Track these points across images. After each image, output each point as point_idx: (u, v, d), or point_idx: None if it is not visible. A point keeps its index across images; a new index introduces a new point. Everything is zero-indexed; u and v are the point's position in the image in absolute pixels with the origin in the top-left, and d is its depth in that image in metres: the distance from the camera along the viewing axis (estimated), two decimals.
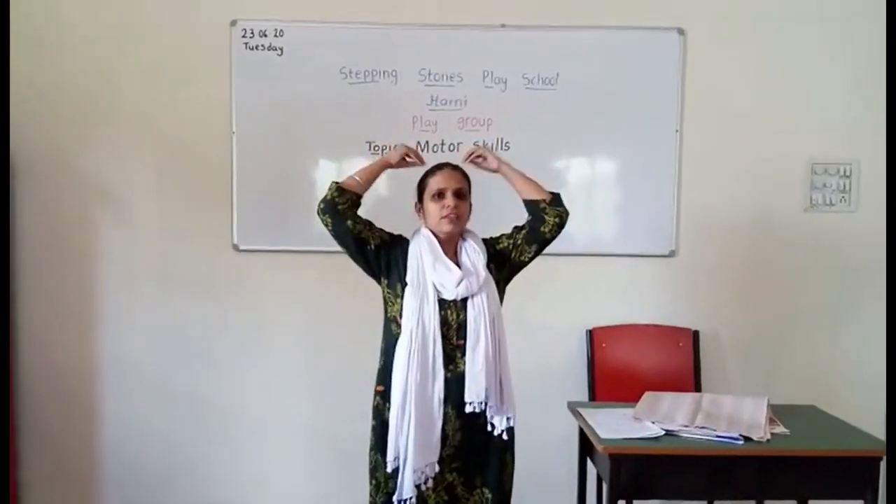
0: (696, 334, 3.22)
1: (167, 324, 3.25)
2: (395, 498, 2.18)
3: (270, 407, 3.28)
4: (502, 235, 2.41)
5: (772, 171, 3.25)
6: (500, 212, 2.39)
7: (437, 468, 2.20)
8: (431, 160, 2.39)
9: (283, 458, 3.30)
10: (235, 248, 3.22)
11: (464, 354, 2.23)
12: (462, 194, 2.29)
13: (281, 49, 3.16)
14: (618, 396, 2.92)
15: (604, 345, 3.21)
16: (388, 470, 2.21)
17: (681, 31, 3.19)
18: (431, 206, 2.29)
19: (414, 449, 2.16)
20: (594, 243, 3.25)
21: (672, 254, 3.27)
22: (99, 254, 3.22)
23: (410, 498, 2.16)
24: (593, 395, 3.16)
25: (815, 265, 3.28)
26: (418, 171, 2.39)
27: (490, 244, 2.39)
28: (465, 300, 2.24)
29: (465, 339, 2.23)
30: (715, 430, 2.35)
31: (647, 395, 2.66)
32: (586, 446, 2.63)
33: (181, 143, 3.20)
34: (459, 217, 2.28)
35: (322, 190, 3.15)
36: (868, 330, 3.28)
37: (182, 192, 3.21)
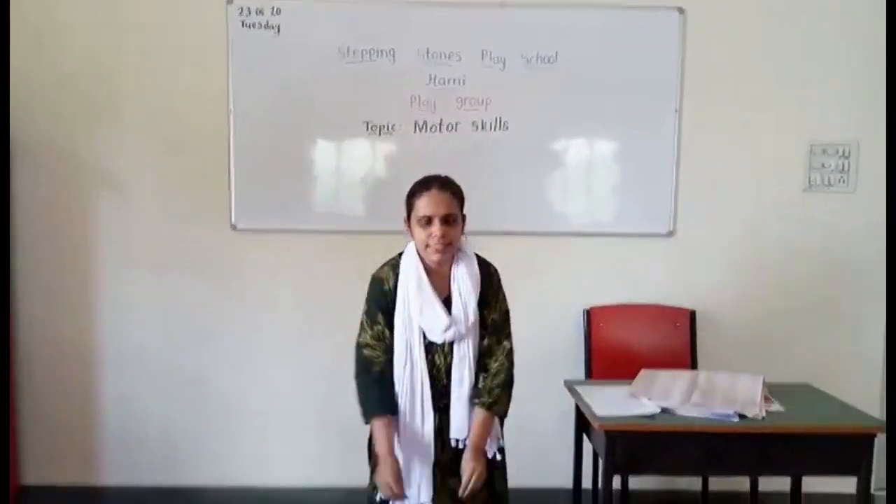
0: (693, 314, 3.22)
1: (166, 304, 3.26)
2: None
3: (270, 386, 3.30)
4: (497, 304, 2.25)
5: (770, 151, 3.24)
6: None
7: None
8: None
9: (284, 436, 3.32)
10: (233, 227, 3.21)
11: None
12: (451, 220, 2.13)
13: (278, 27, 3.13)
14: (614, 375, 2.93)
15: (601, 324, 3.22)
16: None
17: (681, 11, 3.17)
18: (418, 232, 2.14)
19: (412, 483, 2.18)
20: (592, 223, 3.25)
21: (670, 234, 3.27)
22: (97, 235, 3.22)
23: None
24: (590, 374, 3.17)
25: (813, 246, 3.29)
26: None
27: (489, 292, 2.23)
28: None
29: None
30: (710, 408, 2.36)
31: (644, 373, 2.67)
32: (583, 423, 2.64)
33: (178, 123, 3.19)
34: (448, 245, 2.14)
35: (321, 172, 3.19)
36: (865, 310, 3.29)
37: (179, 171, 3.20)
